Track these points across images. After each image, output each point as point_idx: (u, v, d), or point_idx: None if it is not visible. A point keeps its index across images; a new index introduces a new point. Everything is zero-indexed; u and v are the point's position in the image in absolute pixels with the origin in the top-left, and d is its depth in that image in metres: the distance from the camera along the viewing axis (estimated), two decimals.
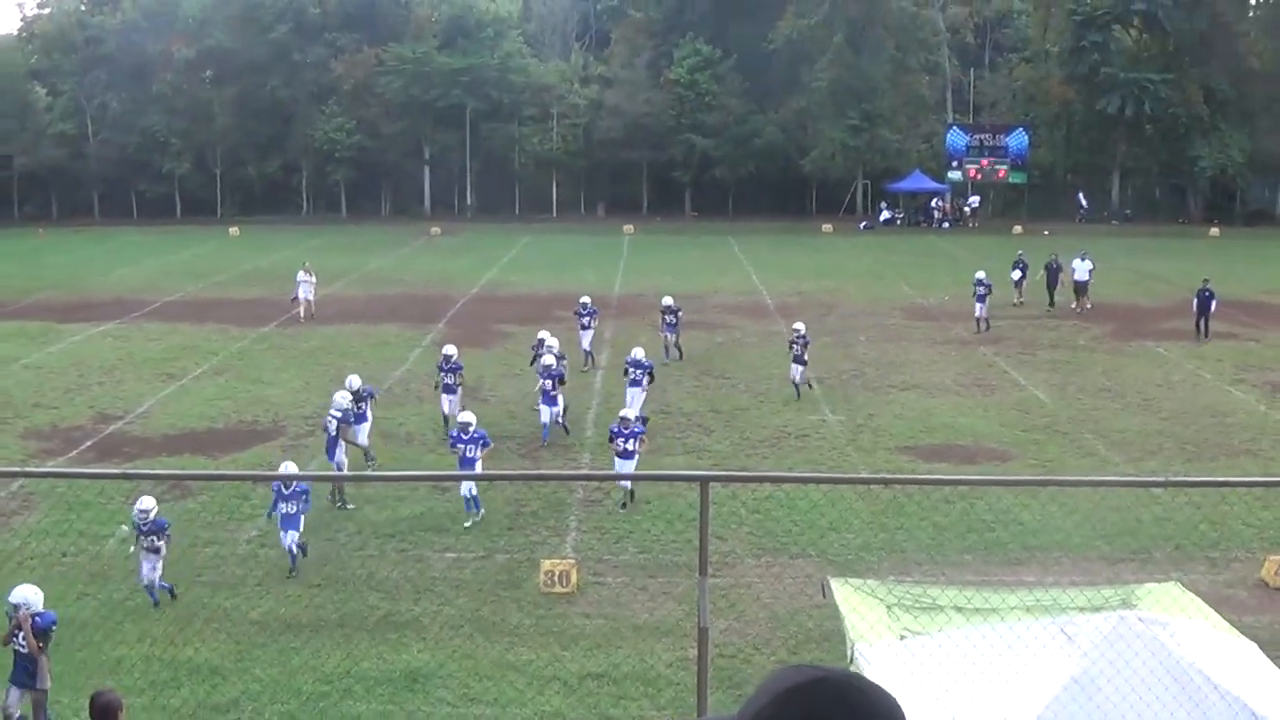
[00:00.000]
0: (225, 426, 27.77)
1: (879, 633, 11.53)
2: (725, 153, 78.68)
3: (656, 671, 15.35)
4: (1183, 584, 13.45)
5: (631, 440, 21.30)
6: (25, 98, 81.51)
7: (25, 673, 13.46)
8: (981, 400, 30.16)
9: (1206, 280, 37.85)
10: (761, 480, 23.11)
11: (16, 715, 13.44)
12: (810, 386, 30.06)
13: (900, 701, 2.31)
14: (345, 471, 22.21)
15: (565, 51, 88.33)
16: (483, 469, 20.81)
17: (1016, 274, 44.07)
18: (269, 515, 19.11)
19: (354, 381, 24.35)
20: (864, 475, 23.99)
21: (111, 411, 28.88)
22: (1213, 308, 37.22)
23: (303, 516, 18.58)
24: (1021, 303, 43.33)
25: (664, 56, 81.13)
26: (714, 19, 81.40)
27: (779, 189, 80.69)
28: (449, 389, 26.65)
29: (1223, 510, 20.01)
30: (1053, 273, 43.20)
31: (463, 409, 24.32)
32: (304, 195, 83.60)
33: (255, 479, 21.50)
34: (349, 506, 21.55)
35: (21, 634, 13.38)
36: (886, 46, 77.71)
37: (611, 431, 22.03)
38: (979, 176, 77.24)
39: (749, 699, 2.29)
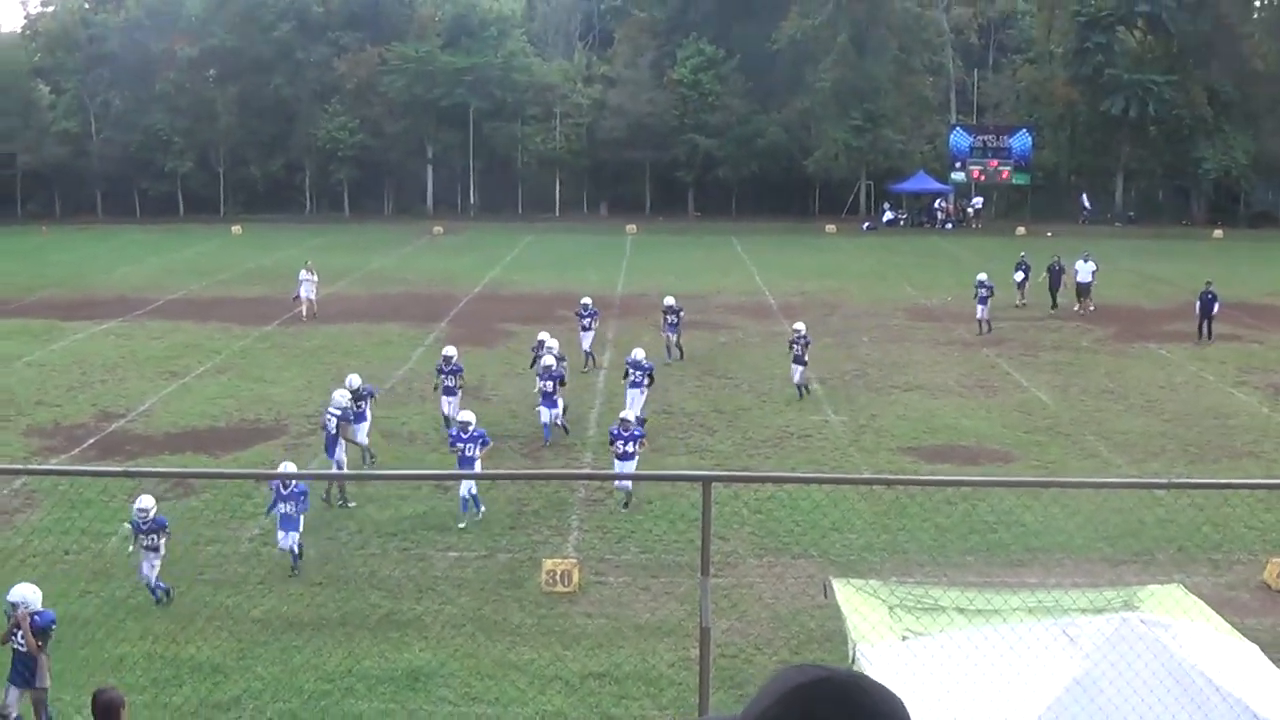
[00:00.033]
0: (227, 425, 27.78)
1: (881, 633, 11.53)
2: (728, 153, 78.66)
3: (658, 671, 15.34)
4: (1185, 586, 13.45)
5: (631, 443, 21.28)
6: (28, 96, 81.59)
7: (24, 672, 13.44)
8: (984, 401, 30.14)
9: (1209, 283, 37.81)
10: (764, 480, 23.11)
11: (15, 715, 13.42)
12: (807, 390, 29.98)
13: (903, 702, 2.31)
14: (345, 470, 22.22)
15: (568, 51, 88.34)
16: (483, 468, 20.81)
17: (1019, 275, 44.04)
18: (268, 513, 19.12)
19: (354, 380, 24.34)
20: (866, 476, 23.98)
21: (114, 409, 28.89)
22: (1215, 310, 37.17)
23: (302, 517, 18.58)
24: (1024, 304, 43.30)
25: (667, 56, 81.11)
26: (717, 19, 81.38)
27: (782, 189, 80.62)
28: (449, 391, 26.61)
29: (1225, 512, 20.01)
30: (1055, 275, 43.19)
31: (462, 409, 24.31)
32: (307, 194, 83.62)
33: (257, 477, 21.50)
34: (350, 504, 21.56)
35: (20, 633, 13.35)
36: (890, 47, 77.68)
37: (611, 434, 22.05)
38: (982, 177, 77.21)
39: (753, 699, 2.29)
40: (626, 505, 21.55)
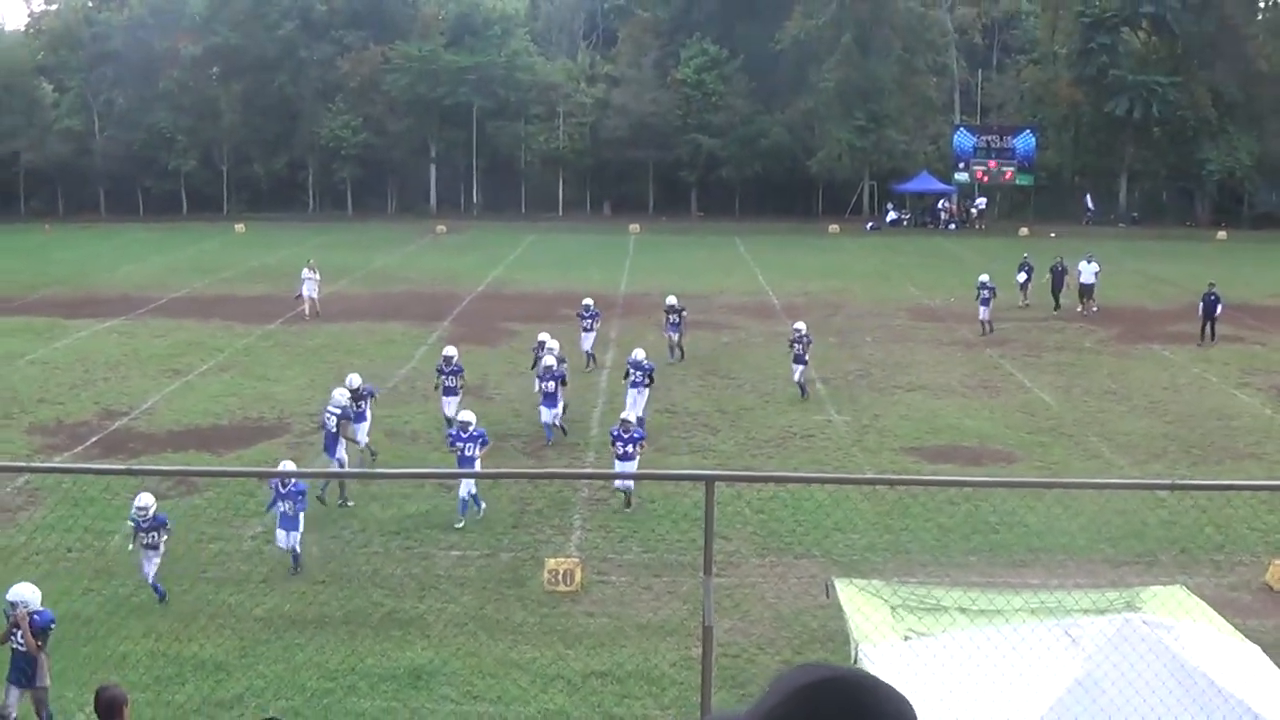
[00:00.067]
0: (230, 423, 27.80)
1: (883, 633, 11.54)
2: (732, 153, 78.61)
3: (660, 670, 15.35)
4: (1187, 587, 13.46)
5: (631, 444, 21.25)
6: (32, 94, 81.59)
7: (23, 671, 13.40)
8: (987, 402, 30.14)
9: (1212, 284, 37.76)
10: (766, 480, 23.11)
11: (14, 716, 13.38)
12: (807, 391, 29.92)
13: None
14: (346, 468, 22.20)
15: (572, 50, 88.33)
16: (483, 467, 20.80)
17: (1021, 276, 44.03)
18: (268, 511, 19.12)
19: (354, 380, 24.26)
20: (869, 476, 23.97)
21: (117, 407, 28.91)
22: (1218, 312, 37.11)
23: (301, 515, 18.57)
24: (1027, 305, 43.28)
25: (671, 56, 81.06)
26: (721, 19, 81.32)
27: (785, 189, 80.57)
28: (450, 391, 26.58)
29: (1228, 514, 20.01)
30: (1058, 275, 43.13)
31: (464, 408, 24.24)
32: (310, 192, 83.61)
33: (260, 475, 21.50)
34: (349, 504, 21.53)
35: (19, 632, 13.32)
36: (894, 47, 77.59)
37: (611, 435, 22.06)
38: (986, 178, 77.16)
39: (760, 697, 2.28)
40: (629, 506, 21.56)
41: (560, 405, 26.03)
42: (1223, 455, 25.39)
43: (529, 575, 18.38)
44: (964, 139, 77.13)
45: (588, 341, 33.40)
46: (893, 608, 12.30)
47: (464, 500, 20.56)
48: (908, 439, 26.54)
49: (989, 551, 19.44)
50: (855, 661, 10.98)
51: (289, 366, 33.51)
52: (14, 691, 13.44)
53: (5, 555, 18.45)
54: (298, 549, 18.51)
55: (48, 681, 13.48)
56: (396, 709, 14.42)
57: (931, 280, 50.12)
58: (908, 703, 2.25)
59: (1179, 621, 11.10)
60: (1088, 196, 77.75)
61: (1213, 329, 37.17)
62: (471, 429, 21.03)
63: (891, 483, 22.48)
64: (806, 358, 29.86)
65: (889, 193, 78.63)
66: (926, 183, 77.57)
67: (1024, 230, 68.07)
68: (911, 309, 43.55)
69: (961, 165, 76.62)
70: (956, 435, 26.95)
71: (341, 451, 22.30)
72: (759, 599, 17.67)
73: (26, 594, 13.57)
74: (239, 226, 71.30)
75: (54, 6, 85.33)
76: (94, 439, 26.25)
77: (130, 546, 17.65)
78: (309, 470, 22.54)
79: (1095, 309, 42.31)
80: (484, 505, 20.96)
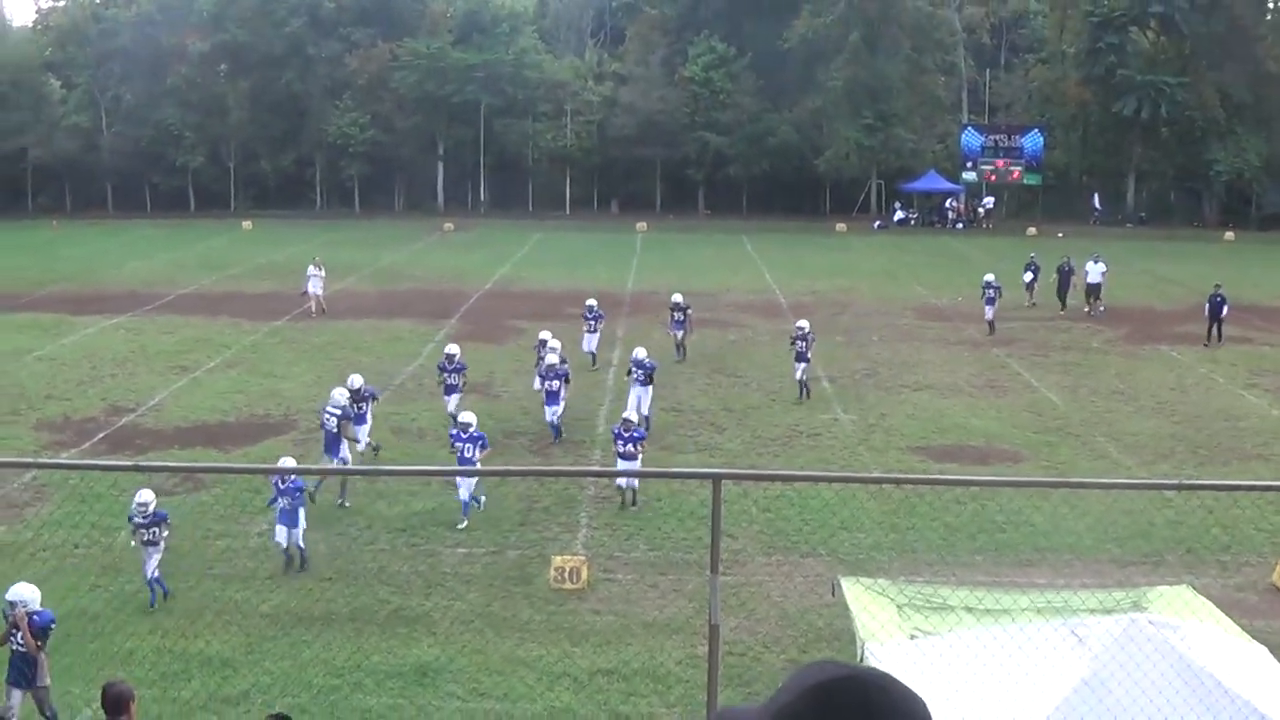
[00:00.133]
0: (237, 420, 27.84)
1: (889, 632, 11.54)
2: (739, 151, 78.55)
3: (666, 669, 15.36)
4: (1194, 587, 13.45)
5: (632, 443, 21.22)
6: (40, 90, 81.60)
7: (23, 672, 13.35)
8: (994, 401, 30.12)
9: (1218, 285, 37.67)
10: (773, 479, 23.08)
11: (16, 717, 13.34)
12: (808, 390, 29.82)
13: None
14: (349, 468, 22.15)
15: (580, 48, 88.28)
16: (488, 465, 20.77)
17: (1028, 276, 43.97)
18: (269, 506, 19.12)
19: (355, 381, 24.10)
20: (876, 475, 23.98)
21: (124, 404, 28.96)
22: (1224, 313, 37.02)
23: (301, 511, 18.54)
24: (1033, 304, 43.23)
25: (679, 54, 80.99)
26: (729, 17, 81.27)
27: (793, 188, 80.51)
28: (451, 388, 26.59)
29: (1234, 514, 19.97)
30: (1064, 276, 43.04)
31: (464, 409, 24.16)
32: (317, 190, 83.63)
33: (267, 472, 21.47)
34: (346, 504, 21.40)
35: (19, 632, 13.27)
36: (902, 46, 77.52)
37: (613, 433, 22.05)
38: (994, 177, 77.02)
39: (775, 693, 2.28)
40: (634, 504, 21.55)
41: (561, 404, 26.02)
42: (1230, 456, 25.36)
43: (535, 573, 18.39)
44: (972, 138, 77.02)
45: (591, 342, 33.30)
46: (899, 606, 12.30)
47: (466, 503, 20.54)
48: (914, 438, 26.52)
49: (995, 551, 19.43)
50: (861, 660, 10.97)
51: (296, 363, 33.54)
52: (15, 693, 13.37)
53: (12, 551, 18.49)
54: (301, 545, 18.52)
55: (48, 681, 13.44)
56: (403, 706, 14.44)
57: (939, 279, 50.08)
58: (922, 702, 2.25)
59: (1185, 622, 11.09)
60: (1095, 196, 77.58)
61: (1219, 330, 37.09)
62: (472, 430, 20.99)
63: (898, 481, 22.51)
64: (809, 356, 29.74)
65: (896, 192, 78.55)
66: (934, 182, 77.49)
67: (1032, 230, 67.99)
68: (918, 308, 43.52)
69: (969, 164, 76.51)
70: (963, 435, 26.93)
71: (345, 451, 22.26)
72: (765, 597, 17.67)
73: (26, 593, 13.51)
74: (246, 223, 71.38)
75: (62, 3, 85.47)
76: (101, 435, 26.30)
77: (133, 544, 17.66)
78: (315, 467, 22.58)
79: (1102, 309, 42.23)
80: (483, 499, 20.90)
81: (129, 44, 78.88)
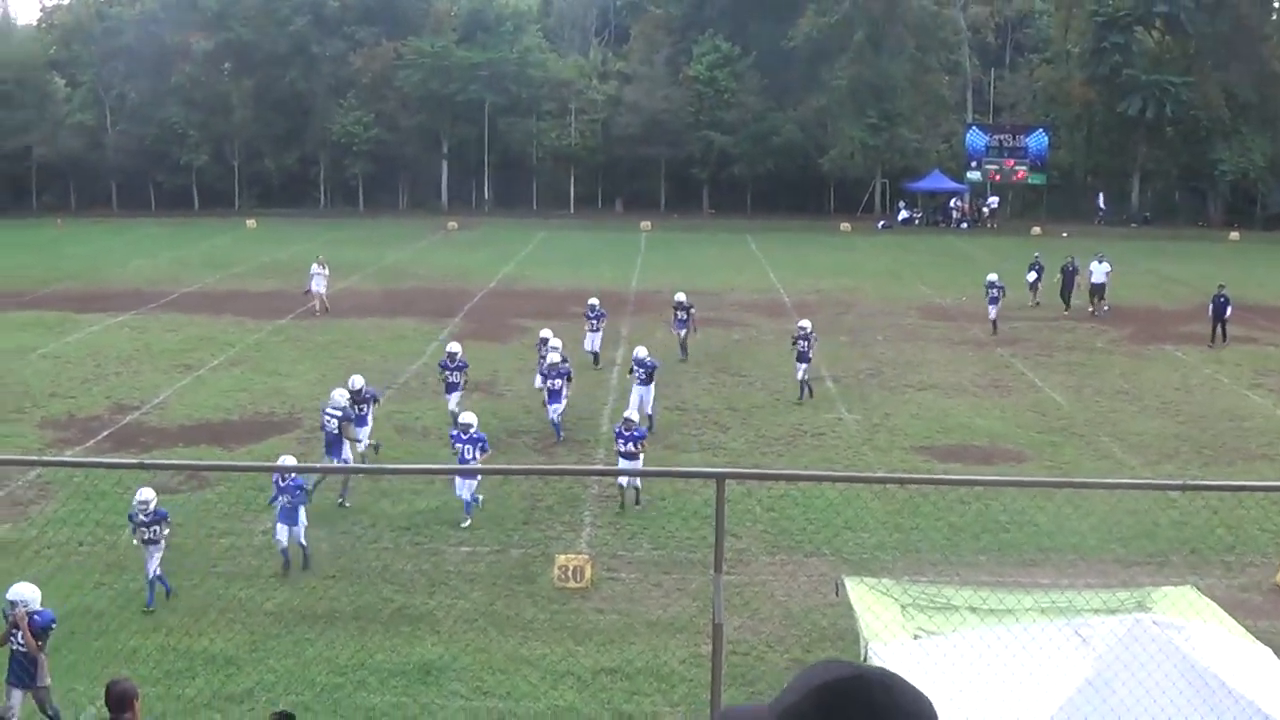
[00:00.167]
0: (241, 418, 27.85)
1: (893, 632, 11.54)
2: (744, 150, 78.55)
3: (670, 667, 15.36)
4: (1198, 588, 13.45)
5: (633, 443, 21.20)
6: (44, 88, 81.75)
7: (23, 672, 13.30)
8: (998, 401, 30.10)
9: (1222, 286, 37.61)
10: (777, 478, 23.07)
11: (16, 718, 13.32)
12: (809, 390, 29.76)
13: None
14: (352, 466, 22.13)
15: (584, 47, 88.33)
16: (492, 464, 20.74)
17: (1032, 275, 43.94)
18: (270, 504, 19.11)
19: (356, 382, 23.90)
20: (880, 474, 23.96)
21: (128, 402, 28.97)
22: (1228, 313, 36.96)
23: (301, 510, 18.52)
24: (1037, 304, 43.20)
25: (683, 53, 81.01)
26: (734, 16, 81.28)
27: (797, 187, 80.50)
28: (452, 386, 26.57)
29: (1239, 514, 19.96)
30: (1068, 276, 43.00)
31: (464, 409, 24.09)
32: (321, 188, 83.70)
33: (271, 470, 21.49)
34: (346, 505, 21.38)
35: (19, 632, 13.23)
36: (907, 45, 77.51)
37: (615, 432, 22.04)
38: (998, 177, 77.03)
39: (782, 692, 2.28)
40: (638, 502, 21.54)
41: (563, 403, 26.00)
42: (1234, 456, 25.33)
43: (539, 572, 18.39)
44: (976, 138, 77.00)
45: (594, 341, 33.22)
46: (903, 606, 12.30)
47: (468, 503, 20.54)
48: (918, 438, 26.51)
49: (999, 551, 19.42)
50: (865, 660, 10.97)
51: (300, 362, 33.55)
52: (15, 694, 13.32)
53: (17, 549, 18.49)
54: (303, 542, 18.51)
55: (48, 681, 13.41)
56: (406, 704, 14.45)
57: (943, 279, 50.05)
58: (929, 702, 2.24)
59: (1189, 622, 11.09)
60: (1100, 196, 77.55)
61: (1224, 331, 37.04)
62: (472, 431, 20.96)
63: (902, 481, 22.48)
64: (810, 355, 29.67)
65: (901, 191, 78.53)
66: (938, 181, 77.46)
67: (1036, 229, 67.97)
68: (923, 308, 43.50)
69: (974, 164, 76.51)
70: (967, 434, 26.92)
71: (347, 452, 22.21)
72: (769, 597, 17.66)
73: (26, 593, 13.45)
74: (250, 222, 71.44)
75: (66, 1, 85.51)
76: (105, 433, 26.31)
77: (135, 543, 17.64)
78: (319, 465, 22.56)
79: (1106, 309, 42.19)
80: (482, 497, 20.87)
81: (133, 42, 78.95)
